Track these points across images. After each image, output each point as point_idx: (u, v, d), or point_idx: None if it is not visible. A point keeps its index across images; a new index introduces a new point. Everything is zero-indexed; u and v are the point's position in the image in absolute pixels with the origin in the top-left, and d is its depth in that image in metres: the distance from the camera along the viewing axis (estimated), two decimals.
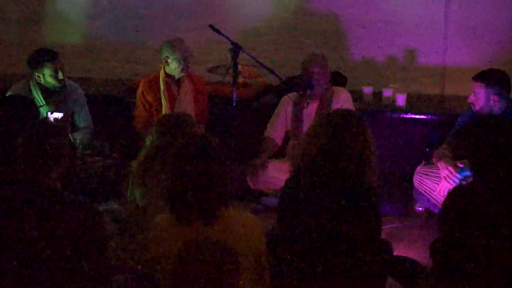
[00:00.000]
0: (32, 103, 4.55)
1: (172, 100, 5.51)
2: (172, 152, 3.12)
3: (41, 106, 5.20)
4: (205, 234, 2.91)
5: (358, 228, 3.22)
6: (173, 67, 5.45)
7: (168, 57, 5.43)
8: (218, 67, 6.08)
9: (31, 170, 3.06)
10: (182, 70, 5.46)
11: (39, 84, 5.27)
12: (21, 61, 6.90)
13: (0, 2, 7.09)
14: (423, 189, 5.03)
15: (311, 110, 5.31)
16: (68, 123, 5.20)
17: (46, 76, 5.24)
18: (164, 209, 3.15)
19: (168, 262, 2.89)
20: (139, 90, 5.61)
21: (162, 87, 5.50)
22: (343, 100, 5.31)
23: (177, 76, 5.50)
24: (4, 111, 4.18)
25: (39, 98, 5.25)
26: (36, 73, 5.24)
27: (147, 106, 5.56)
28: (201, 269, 2.54)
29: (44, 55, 5.24)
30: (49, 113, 5.15)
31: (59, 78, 5.25)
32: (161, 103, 5.50)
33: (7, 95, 5.33)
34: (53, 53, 5.28)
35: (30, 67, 5.27)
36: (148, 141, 3.96)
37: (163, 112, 5.43)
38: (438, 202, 4.72)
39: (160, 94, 5.51)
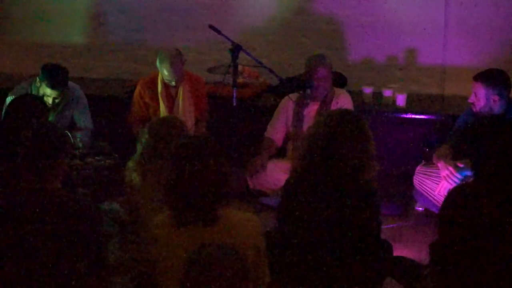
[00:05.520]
0: (41, 103, 4.55)
1: (170, 101, 5.50)
2: (170, 153, 3.12)
3: None
4: (206, 236, 2.91)
5: (358, 228, 3.22)
6: (164, 76, 5.44)
7: (158, 66, 5.43)
8: (218, 67, 6.08)
9: (33, 170, 3.06)
10: (170, 82, 5.44)
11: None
12: (22, 61, 6.94)
13: (1, 2, 7.09)
14: (423, 189, 5.03)
15: (311, 110, 5.31)
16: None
17: (40, 91, 5.22)
18: (163, 209, 3.15)
19: (170, 264, 2.89)
20: (137, 90, 5.60)
21: (160, 88, 5.49)
22: (343, 101, 5.30)
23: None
24: (15, 111, 4.21)
25: None
26: (38, 79, 5.23)
27: (143, 107, 5.55)
28: (212, 277, 2.52)
29: (50, 79, 5.16)
30: None
31: (48, 102, 5.19)
32: (158, 103, 5.49)
33: (8, 95, 5.34)
34: (56, 85, 5.17)
35: (40, 71, 5.24)
36: (140, 144, 3.99)
37: (161, 113, 5.43)
38: (438, 202, 4.72)
39: (157, 95, 5.50)
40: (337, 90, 5.44)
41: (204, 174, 2.97)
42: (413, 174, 5.11)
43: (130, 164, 3.98)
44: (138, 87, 5.61)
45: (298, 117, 5.36)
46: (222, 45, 5.66)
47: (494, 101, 4.80)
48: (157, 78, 5.51)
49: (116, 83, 6.72)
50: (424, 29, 6.36)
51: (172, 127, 3.95)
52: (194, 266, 2.53)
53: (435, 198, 4.91)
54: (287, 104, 5.44)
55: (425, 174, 5.03)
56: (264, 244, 3.08)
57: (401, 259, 3.90)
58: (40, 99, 4.84)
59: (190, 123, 5.41)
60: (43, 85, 5.17)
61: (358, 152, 3.31)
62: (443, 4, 6.30)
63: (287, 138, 5.51)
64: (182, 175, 2.98)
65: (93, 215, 3.06)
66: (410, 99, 6.07)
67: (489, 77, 4.84)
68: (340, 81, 6.15)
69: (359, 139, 3.32)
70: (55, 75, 5.17)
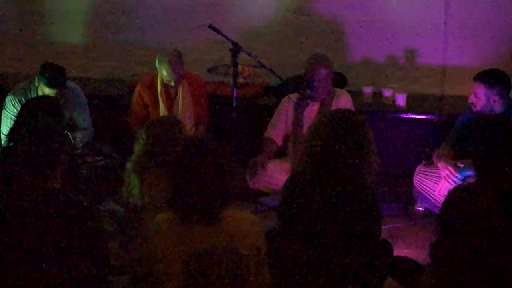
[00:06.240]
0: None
1: (169, 100, 5.50)
2: (173, 153, 3.12)
3: None
4: (206, 236, 2.91)
5: (358, 228, 3.22)
6: (163, 76, 5.44)
7: (157, 67, 5.44)
8: (218, 67, 6.08)
9: (33, 170, 3.06)
10: (170, 82, 5.43)
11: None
12: (21, 61, 6.94)
13: (0, 1, 7.09)
14: (423, 189, 5.03)
15: (312, 111, 5.30)
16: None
17: (39, 91, 5.22)
18: (163, 208, 3.15)
19: (171, 264, 2.89)
20: (136, 90, 5.61)
21: (159, 87, 5.49)
22: (343, 101, 5.29)
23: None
24: (30, 112, 4.23)
25: None
26: (37, 79, 5.23)
27: (143, 107, 5.55)
28: (213, 277, 2.52)
29: (48, 78, 5.16)
30: None
31: None
32: (158, 103, 5.49)
33: (8, 95, 5.34)
34: (55, 84, 5.17)
35: (38, 70, 5.24)
36: (138, 144, 3.99)
37: (161, 113, 5.43)
38: (438, 202, 4.72)
39: (157, 95, 5.50)
40: (337, 90, 5.43)
41: (206, 175, 2.97)
42: (413, 174, 5.11)
43: (128, 165, 3.98)
44: (138, 87, 5.61)
45: (298, 117, 5.35)
46: (222, 45, 5.66)
47: (494, 101, 4.81)
48: (156, 78, 5.52)
49: (116, 83, 6.72)
50: (424, 29, 6.36)
51: (169, 127, 3.95)
52: (195, 266, 2.53)
53: (435, 198, 4.91)
54: (287, 104, 5.43)
55: (425, 174, 5.03)
56: (264, 244, 3.08)
57: (401, 259, 3.90)
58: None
59: (189, 123, 5.41)
60: (42, 84, 5.17)
61: (358, 153, 3.30)
62: (443, 4, 6.31)
63: (287, 138, 5.51)
64: (185, 175, 2.98)
65: (93, 215, 3.06)
66: (410, 99, 6.07)
67: (489, 77, 4.84)
68: (340, 81, 6.15)
69: (359, 139, 3.32)
70: (53, 74, 5.18)
